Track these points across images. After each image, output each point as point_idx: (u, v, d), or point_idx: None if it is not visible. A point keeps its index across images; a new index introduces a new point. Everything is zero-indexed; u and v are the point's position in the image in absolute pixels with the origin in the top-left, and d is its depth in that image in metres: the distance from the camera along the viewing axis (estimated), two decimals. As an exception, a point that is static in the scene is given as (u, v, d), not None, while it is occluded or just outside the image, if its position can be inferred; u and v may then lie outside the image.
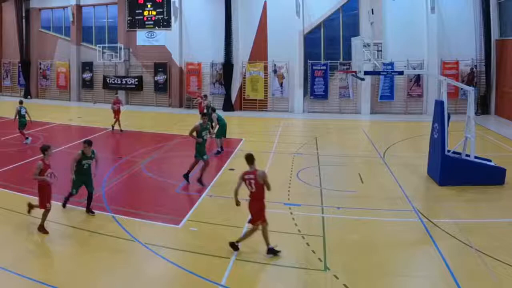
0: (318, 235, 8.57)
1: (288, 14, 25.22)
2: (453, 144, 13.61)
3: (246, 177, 7.77)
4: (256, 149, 16.12)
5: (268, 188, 7.81)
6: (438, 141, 11.82)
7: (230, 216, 9.60)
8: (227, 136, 15.96)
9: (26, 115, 17.14)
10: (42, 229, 8.62)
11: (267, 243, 7.66)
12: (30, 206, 9.14)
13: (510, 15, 22.10)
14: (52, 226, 9.07)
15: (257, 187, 7.71)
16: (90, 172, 9.72)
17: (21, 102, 17.66)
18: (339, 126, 21.39)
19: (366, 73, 13.87)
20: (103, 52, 28.71)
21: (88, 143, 9.60)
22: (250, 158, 7.90)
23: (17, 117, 17.01)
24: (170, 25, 27.86)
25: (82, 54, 30.59)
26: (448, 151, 12.07)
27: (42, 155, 9.03)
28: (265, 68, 26.22)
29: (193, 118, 23.27)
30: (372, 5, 23.85)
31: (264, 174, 7.73)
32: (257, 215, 7.75)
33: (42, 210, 8.70)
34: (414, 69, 23.53)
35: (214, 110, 15.71)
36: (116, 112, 19.26)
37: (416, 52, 23.69)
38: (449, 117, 13.78)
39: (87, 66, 30.30)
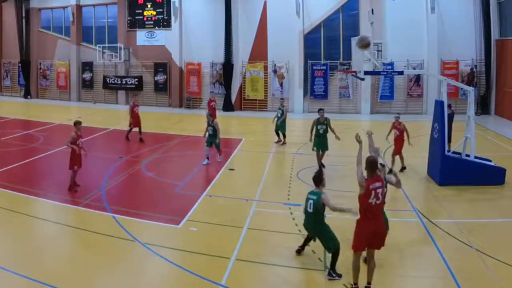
0: (318, 235, 8.55)
1: (288, 14, 25.22)
2: (453, 144, 13.62)
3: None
4: (256, 149, 16.18)
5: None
6: (438, 141, 11.82)
7: (230, 216, 9.60)
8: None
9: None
10: (71, 188, 11.01)
11: None
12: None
13: (510, 15, 22.10)
14: (52, 226, 9.10)
15: None
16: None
17: (207, 115, 15.28)
18: (339, 126, 21.24)
19: (366, 73, 13.86)
20: (103, 52, 28.70)
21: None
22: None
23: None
24: (170, 25, 27.85)
25: (82, 54, 30.57)
26: (448, 151, 12.07)
27: (75, 128, 11.07)
28: (265, 68, 26.21)
29: (193, 118, 23.31)
30: (372, 5, 23.85)
31: None
32: None
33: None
34: (414, 69, 23.52)
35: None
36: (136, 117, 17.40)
37: (416, 52, 23.67)
38: (453, 115, 13.79)
39: (87, 66, 30.29)
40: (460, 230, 8.66)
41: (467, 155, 11.77)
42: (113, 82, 29.26)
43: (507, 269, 7.11)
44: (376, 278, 7.08)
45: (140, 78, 28.74)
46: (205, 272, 7.06)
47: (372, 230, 6.11)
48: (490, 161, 12.12)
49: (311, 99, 25.56)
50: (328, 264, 7.07)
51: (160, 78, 28.40)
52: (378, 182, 6.07)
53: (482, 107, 23.37)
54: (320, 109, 13.79)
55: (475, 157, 11.80)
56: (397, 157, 12.91)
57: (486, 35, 22.86)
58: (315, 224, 7.15)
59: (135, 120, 17.39)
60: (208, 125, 14.05)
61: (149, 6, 28.57)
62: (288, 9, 25.23)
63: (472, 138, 11.72)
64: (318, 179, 7.22)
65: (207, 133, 14.10)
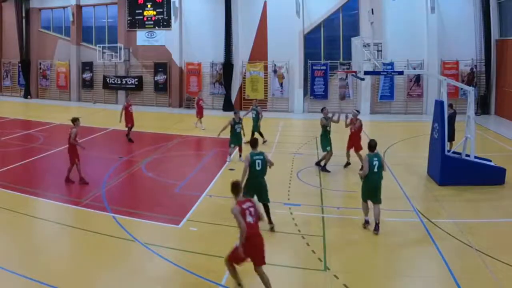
0: (318, 235, 8.57)
1: (288, 14, 25.20)
2: (453, 144, 13.62)
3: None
4: (256, 149, 16.16)
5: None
6: (438, 141, 11.82)
7: (230, 216, 9.58)
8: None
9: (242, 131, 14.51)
10: (68, 180, 11.71)
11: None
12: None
13: (510, 15, 22.09)
14: (52, 226, 9.10)
15: None
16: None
17: (235, 113, 14.78)
18: (339, 126, 21.32)
19: (366, 73, 13.86)
20: (103, 52, 28.69)
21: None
22: None
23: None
24: (170, 25, 27.85)
25: (82, 54, 30.57)
26: (448, 151, 12.07)
27: (73, 124, 11.75)
28: (265, 68, 26.20)
29: (193, 118, 23.26)
30: (372, 5, 23.76)
31: None
32: None
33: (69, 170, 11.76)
34: (414, 69, 23.51)
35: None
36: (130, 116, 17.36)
37: (416, 52, 23.65)
38: (455, 114, 13.80)
39: (87, 66, 30.28)
40: (460, 230, 8.66)
41: (467, 155, 11.77)
42: (113, 82, 29.26)
43: (507, 269, 7.11)
44: (376, 278, 7.09)
45: (140, 78, 28.74)
46: (205, 272, 7.06)
47: (253, 247, 6.33)
48: (490, 161, 12.12)
49: (311, 99, 25.55)
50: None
51: (160, 78, 28.40)
52: (248, 202, 6.50)
53: (482, 107, 23.35)
54: (323, 108, 13.82)
55: (475, 157, 11.80)
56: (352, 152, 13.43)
57: (486, 35, 22.84)
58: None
59: (130, 119, 17.36)
60: (235, 123, 14.10)
61: (149, 6, 28.56)
62: (288, 9, 25.21)
63: (472, 138, 11.72)
64: (375, 146, 8.89)
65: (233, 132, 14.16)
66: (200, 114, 20.31)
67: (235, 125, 14.07)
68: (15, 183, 11.53)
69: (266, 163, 8.91)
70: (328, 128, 13.27)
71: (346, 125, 13.45)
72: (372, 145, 8.87)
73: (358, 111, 13.83)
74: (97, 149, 16.80)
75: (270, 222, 8.74)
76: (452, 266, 7.20)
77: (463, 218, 9.49)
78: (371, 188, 8.71)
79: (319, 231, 8.76)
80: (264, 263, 6.44)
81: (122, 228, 8.83)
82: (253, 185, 8.78)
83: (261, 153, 9.00)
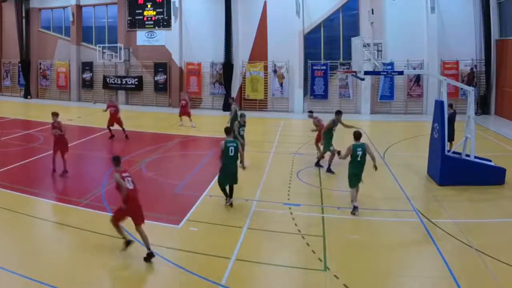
0: (318, 235, 8.57)
1: (288, 14, 25.20)
2: (453, 144, 13.63)
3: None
4: (256, 149, 16.16)
5: None
6: (438, 141, 11.82)
7: (230, 216, 9.61)
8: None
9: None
10: (64, 173, 12.29)
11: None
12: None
13: (510, 15, 22.09)
14: (52, 226, 9.11)
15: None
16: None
17: (241, 116, 13.86)
18: (339, 126, 21.30)
19: (366, 73, 13.85)
20: (103, 52, 28.69)
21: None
22: None
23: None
24: (170, 25, 27.84)
25: (82, 54, 30.55)
26: (448, 151, 12.08)
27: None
28: (265, 68, 26.19)
29: (193, 118, 23.29)
30: (372, 5, 23.79)
31: None
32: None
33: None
34: (414, 69, 23.50)
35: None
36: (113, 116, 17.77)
37: (416, 52, 23.65)
38: (455, 114, 13.81)
39: (87, 66, 30.27)
40: (460, 230, 8.66)
41: (467, 155, 11.77)
42: (113, 82, 29.25)
43: (507, 269, 7.11)
44: (376, 278, 7.09)
45: (140, 78, 28.73)
46: (205, 272, 7.06)
47: (132, 209, 7.57)
48: (490, 161, 12.12)
49: (311, 99, 25.54)
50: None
51: (160, 78, 28.39)
52: (125, 172, 7.81)
53: (482, 107, 23.35)
54: (339, 111, 13.78)
55: (475, 157, 11.80)
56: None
57: (486, 35, 22.83)
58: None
59: (111, 119, 17.64)
60: (240, 126, 13.46)
61: (149, 6, 28.54)
62: (288, 9, 25.21)
63: (472, 138, 11.72)
64: (359, 136, 9.84)
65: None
66: (180, 113, 21.04)
67: (239, 128, 13.91)
68: (15, 183, 11.52)
69: (238, 150, 9.89)
70: (333, 130, 13.23)
71: (312, 130, 14.21)
72: (356, 135, 9.82)
73: (311, 111, 14.91)
74: (97, 149, 16.83)
75: (230, 196, 10.11)
76: (452, 266, 7.20)
77: (463, 218, 9.49)
78: (356, 173, 9.67)
79: (319, 231, 8.76)
80: (143, 222, 7.60)
81: (122, 228, 8.81)
82: (228, 171, 9.87)
83: (234, 141, 10.03)
